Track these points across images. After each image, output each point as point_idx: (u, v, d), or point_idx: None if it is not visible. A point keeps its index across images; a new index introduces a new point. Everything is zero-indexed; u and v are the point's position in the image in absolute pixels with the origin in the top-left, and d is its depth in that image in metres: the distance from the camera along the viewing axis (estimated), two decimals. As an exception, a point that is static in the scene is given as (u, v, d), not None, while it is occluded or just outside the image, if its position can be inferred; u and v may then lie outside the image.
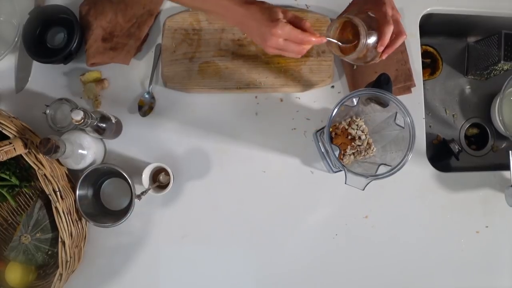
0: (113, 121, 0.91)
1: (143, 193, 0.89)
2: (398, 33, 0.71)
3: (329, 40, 0.71)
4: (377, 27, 0.70)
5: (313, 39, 0.66)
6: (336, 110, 0.79)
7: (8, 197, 0.94)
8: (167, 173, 0.94)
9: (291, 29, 0.65)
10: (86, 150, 0.89)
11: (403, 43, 1.01)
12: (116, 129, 0.94)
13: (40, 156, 0.82)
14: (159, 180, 0.96)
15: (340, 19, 0.72)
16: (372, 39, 0.70)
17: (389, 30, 0.69)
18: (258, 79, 0.98)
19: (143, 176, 0.91)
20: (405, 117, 0.79)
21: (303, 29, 0.67)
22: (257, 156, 0.98)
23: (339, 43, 0.72)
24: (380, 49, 0.71)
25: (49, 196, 0.81)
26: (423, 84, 1.03)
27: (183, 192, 0.97)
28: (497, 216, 1.00)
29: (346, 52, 0.72)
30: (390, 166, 0.78)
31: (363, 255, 0.98)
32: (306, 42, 0.67)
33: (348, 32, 0.72)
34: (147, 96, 0.98)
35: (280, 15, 0.65)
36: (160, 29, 1.00)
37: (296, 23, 0.67)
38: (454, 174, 1.01)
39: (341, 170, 0.91)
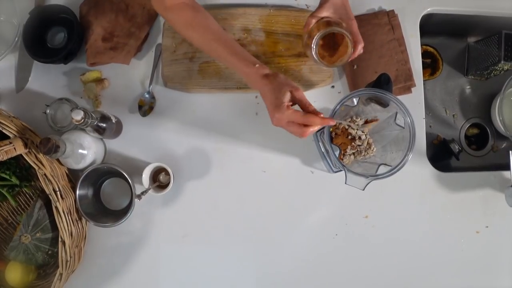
0: (113, 121, 0.91)
1: (143, 193, 0.89)
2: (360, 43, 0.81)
3: (317, 61, 0.79)
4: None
5: (317, 120, 0.70)
6: (336, 110, 0.79)
7: (8, 197, 0.94)
8: (167, 173, 0.94)
9: (292, 113, 0.70)
10: (86, 150, 0.89)
11: (404, 43, 1.01)
12: (116, 129, 0.94)
13: (40, 156, 0.82)
14: (159, 180, 0.96)
15: (328, 30, 0.78)
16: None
17: (361, 47, 0.80)
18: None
19: (143, 176, 0.91)
20: (405, 117, 0.79)
21: (308, 111, 0.71)
22: (257, 156, 0.98)
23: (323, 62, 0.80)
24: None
25: (49, 195, 0.81)
26: (423, 84, 1.03)
27: (183, 192, 0.97)
28: (497, 216, 1.00)
29: (333, 61, 0.79)
30: (390, 166, 0.78)
31: (363, 255, 0.98)
32: (309, 123, 0.71)
33: (327, 40, 0.80)
34: (147, 96, 0.98)
35: (286, 99, 0.70)
36: (161, 29, 1.00)
37: (303, 106, 0.72)
38: (454, 174, 1.01)
39: (341, 170, 0.91)
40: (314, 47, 0.79)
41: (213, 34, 0.78)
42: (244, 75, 0.76)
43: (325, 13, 0.81)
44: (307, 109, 0.72)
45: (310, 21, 0.82)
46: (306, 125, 0.71)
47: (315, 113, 0.71)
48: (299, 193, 0.98)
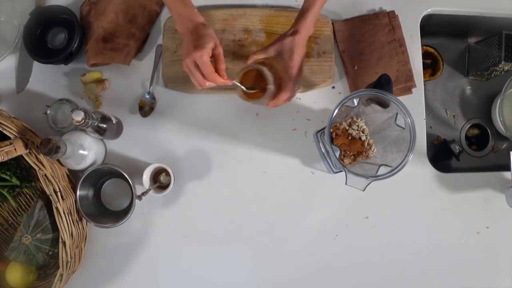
0: (114, 121, 0.91)
1: (143, 193, 0.89)
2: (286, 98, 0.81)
3: (235, 84, 0.78)
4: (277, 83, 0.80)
5: (219, 80, 0.75)
6: (336, 110, 0.79)
7: (9, 198, 0.94)
8: (167, 174, 0.94)
9: (206, 63, 0.73)
10: (87, 151, 0.89)
11: (404, 44, 1.01)
12: (117, 130, 0.94)
13: (41, 157, 0.82)
14: (160, 180, 0.96)
15: (250, 67, 0.80)
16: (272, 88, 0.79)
17: (284, 97, 0.80)
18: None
19: (144, 176, 0.91)
20: (406, 117, 0.79)
21: (217, 69, 0.75)
22: (258, 156, 0.98)
23: (244, 88, 0.80)
24: (270, 105, 0.82)
25: (50, 196, 0.81)
26: (424, 84, 1.03)
27: (184, 193, 0.97)
28: (498, 216, 1.00)
29: (250, 96, 0.80)
30: (391, 166, 0.78)
31: (363, 255, 0.98)
32: (211, 79, 0.74)
33: (252, 77, 0.80)
34: (147, 96, 0.98)
35: (208, 46, 0.73)
36: (161, 30, 1.00)
37: (217, 60, 0.76)
38: (455, 175, 1.01)
39: (341, 171, 0.91)
40: (237, 79, 0.79)
41: None
42: (177, 14, 0.76)
43: (270, 53, 0.82)
44: (218, 66, 0.75)
45: (251, 57, 0.83)
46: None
47: (221, 72, 0.75)
48: (300, 194, 0.98)
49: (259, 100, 0.80)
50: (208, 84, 0.75)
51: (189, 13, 0.75)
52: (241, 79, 0.80)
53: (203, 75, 0.75)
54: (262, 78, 0.79)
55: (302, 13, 0.82)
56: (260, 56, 0.82)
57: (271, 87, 0.78)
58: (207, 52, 0.72)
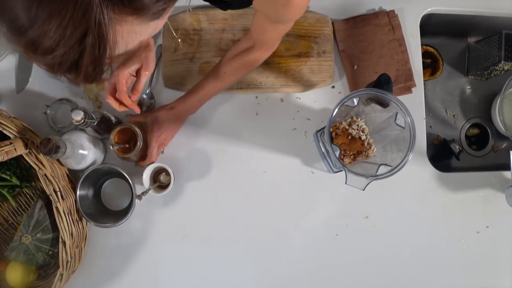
0: (114, 121, 0.91)
1: (143, 193, 0.89)
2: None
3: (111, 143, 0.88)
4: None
5: (127, 101, 0.85)
6: (336, 110, 0.79)
7: (9, 197, 0.94)
8: (167, 173, 0.94)
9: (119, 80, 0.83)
10: (87, 150, 0.89)
11: (404, 43, 1.01)
12: (117, 129, 0.94)
13: (41, 156, 0.82)
14: (160, 180, 0.96)
15: (127, 126, 0.88)
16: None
17: (147, 162, 0.91)
18: (258, 79, 0.98)
19: (144, 176, 0.91)
20: (406, 117, 0.79)
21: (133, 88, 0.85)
22: (258, 156, 0.98)
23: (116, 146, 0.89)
24: (137, 165, 0.93)
25: (50, 196, 0.81)
26: (424, 84, 1.03)
27: (184, 192, 0.97)
28: (498, 216, 1.00)
29: (120, 151, 0.89)
30: (391, 166, 0.78)
31: (363, 255, 0.98)
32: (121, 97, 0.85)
33: (128, 135, 0.91)
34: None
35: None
36: (161, 30, 1.00)
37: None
38: (455, 174, 1.01)
39: (341, 170, 0.91)
40: (112, 137, 0.88)
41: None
42: None
43: (147, 119, 0.91)
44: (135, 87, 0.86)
45: (131, 117, 0.93)
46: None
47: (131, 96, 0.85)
48: (300, 193, 0.98)
49: (127, 156, 0.88)
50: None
51: None
52: (118, 134, 0.89)
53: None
54: (135, 137, 0.88)
55: (186, 94, 0.91)
56: (139, 119, 0.92)
57: (138, 146, 0.87)
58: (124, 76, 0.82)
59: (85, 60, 0.38)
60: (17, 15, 0.35)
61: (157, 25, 0.43)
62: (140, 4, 0.37)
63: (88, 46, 0.37)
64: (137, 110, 0.87)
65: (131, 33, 0.40)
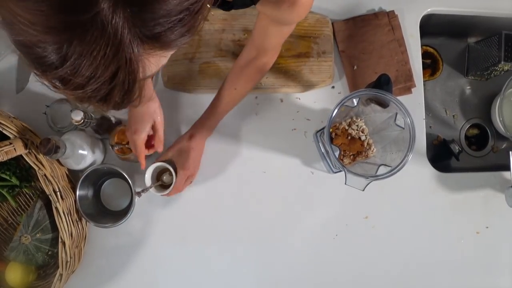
0: (113, 121, 0.91)
1: (144, 190, 0.89)
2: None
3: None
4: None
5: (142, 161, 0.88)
6: (336, 110, 0.79)
7: (9, 198, 0.94)
8: (170, 174, 0.93)
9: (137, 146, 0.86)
10: (86, 151, 0.89)
11: (404, 44, 1.01)
12: (116, 130, 0.94)
13: (40, 157, 0.82)
14: (163, 180, 0.95)
15: (122, 126, 0.92)
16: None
17: (175, 192, 0.92)
18: (258, 80, 0.98)
19: (146, 175, 0.91)
20: (405, 117, 0.79)
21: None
22: (257, 156, 0.98)
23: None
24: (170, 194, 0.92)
25: (49, 196, 0.81)
26: (424, 84, 1.03)
27: (183, 193, 0.96)
28: (497, 216, 1.00)
29: (124, 152, 0.92)
30: (390, 166, 0.78)
31: (363, 256, 0.98)
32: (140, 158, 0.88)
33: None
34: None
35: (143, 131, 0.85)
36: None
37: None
38: (454, 175, 1.01)
39: (341, 171, 0.91)
40: (112, 137, 0.91)
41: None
42: None
43: (169, 156, 0.92)
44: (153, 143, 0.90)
45: (156, 160, 0.93)
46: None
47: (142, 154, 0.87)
48: (299, 194, 0.98)
49: (127, 156, 0.91)
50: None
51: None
52: (118, 134, 0.91)
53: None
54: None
55: (201, 119, 0.91)
56: (162, 159, 0.92)
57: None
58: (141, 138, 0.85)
59: (115, 94, 0.38)
60: (48, 53, 0.34)
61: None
62: (168, 40, 0.37)
63: (119, 83, 0.37)
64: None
65: (158, 63, 0.40)
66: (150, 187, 0.90)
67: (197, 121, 0.92)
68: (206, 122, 0.91)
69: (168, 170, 0.93)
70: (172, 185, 0.91)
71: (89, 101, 0.39)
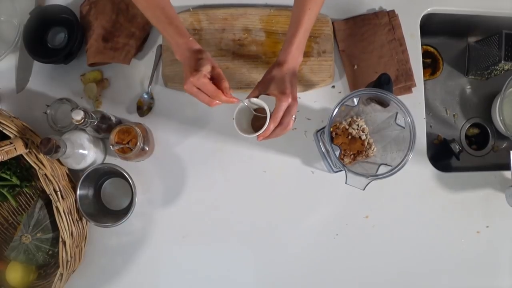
0: (114, 121, 0.91)
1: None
2: (281, 125, 0.77)
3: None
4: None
5: (223, 97, 0.76)
6: (336, 110, 0.79)
7: (9, 197, 0.94)
8: (264, 113, 0.79)
9: (205, 83, 0.75)
10: (87, 150, 0.89)
11: (404, 43, 1.01)
12: (117, 129, 0.94)
13: (41, 156, 0.82)
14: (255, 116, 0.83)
15: (122, 126, 0.88)
16: None
17: (273, 125, 0.76)
18: (258, 79, 0.97)
19: (234, 120, 0.81)
20: (406, 117, 0.79)
21: (220, 88, 0.76)
22: (258, 156, 0.98)
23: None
24: (260, 138, 0.79)
25: (50, 196, 0.81)
26: (424, 84, 1.03)
27: (183, 192, 0.97)
28: (498, 216, 1.00)
29: (125, 152, 0.88)
30: (391, 166, 0.78)
31: (363, 255, 0.98)
32: (215, 97, 0.76)
33: (126, 134, 0.89)
34: (146, 96, 0.98)
35: (204, 68, 0.74)
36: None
37: (218, 80, 0.77)
38: (455, 174, 1.01)
39: (341, 170, 0.91)
40: (112, 137, 0.87)
41: (161, 1, 0.80)
42: (175, 44, 0.79)
43: (261, 90, 0.81)
44: (220, 85, 0.76)
45: (249, 96, 0.81)
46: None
47: (224, 90, 0.76)
48: (300, 193, 0.98)
49: (128, 155, 0.87)
50: (215, 102, 0.77)
51: (185, 41, 0.78)
52: (118, 133, 0.88)
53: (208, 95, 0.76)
54: (135, 137, 0.87)
55: (287, 41, 0.82)
56: (255, 94, 0.81)
57: (138, 145, 0.86)
58: (203, 74, 0.74)
59: None
60: None
61: None
62: None
63: None
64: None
65: None
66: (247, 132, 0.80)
67: (283, 46, 0.82)
68: (294, 41, 0.80)
69: (260, 108, 0.81)
70: (268, 119, 0.76)
71: None
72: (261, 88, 0.80)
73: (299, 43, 0.81)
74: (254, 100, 0.79)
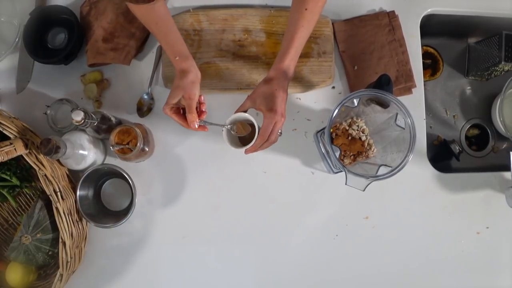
0: (114, 121, 0.91)
1: (225, 126, 0.84)
2: (267, 141, 0.80)
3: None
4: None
5: (192, 128, 0.82)
6: (336, 110, 0.79)
7: (9, 198, 0.94)
8: (251, 125, 0.83)
9: (171, 116, 0.82)
10: (87, 151, 0.89)
11: (404, 44, 1.01)
12: (117, 130, 0.94)
13: (41, 157, 0.82)
14: (238, 128, 0.86)
15: (122, 127, 0.88)
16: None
17: (259, 141, 0.79)
18: (258, 80, 0.98)
19: (223, 133, 0.84)
20: (406, 118, 0.79)
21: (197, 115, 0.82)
22: (258, 156, 0.97)
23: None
24: (247, 152, 0.82)
25: (50, 196, 0.81)
26: (424, 85, 1.03)
27: (183, 193, 0.97)
28: (498, 217, 1.00)
29: (125, 152, 0.89)
30: (391, 167, 0.78)
31: (363, 256, 0.98)
32: (184, 125, 0.83)
33: (126, 135, 0.90)
34: (146, 97, 0.98)
35: (168, 101, 0.80)
36: (161, 30, 1.00)
37: (188, 110, 0.81)
38: (455, 175, 1.01)
39: (341, 171, 0.91)
40: (112, 138, 0.88)
41: (156, 17, 0.82)
42: (171, 59, 0.83)
43: (248, 105, 0.83)
44: (196, 113, 0.82)
45: (237, 110, 0.84)
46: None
47: (191, 124, 0.81)
48: (300, 194, 0.98)
49: (128, 156, 0.88)
50: (193, 125, 0.82)
51: (174, 60, 0.82)
52: (118, 134, 0.89)
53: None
54: (135, 138, 0.89)
55: (278, 58, 0.82)
56: (243, 108, 0.84)
57: (138, 146, 0.87)
58: (169, 107, 0.81)
59: None
60: None
61: None
62: None
63: None
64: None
65: None
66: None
67: (274, 62, 0.82)
68: (285, 58, 0.80)
69: (247, 123, 0.84)
70: (256, 134, 0.80)
71: None
72: (250, 103, 0.83)
73: (290, 60, 0.81)
74: (243, 115, 0.82)
